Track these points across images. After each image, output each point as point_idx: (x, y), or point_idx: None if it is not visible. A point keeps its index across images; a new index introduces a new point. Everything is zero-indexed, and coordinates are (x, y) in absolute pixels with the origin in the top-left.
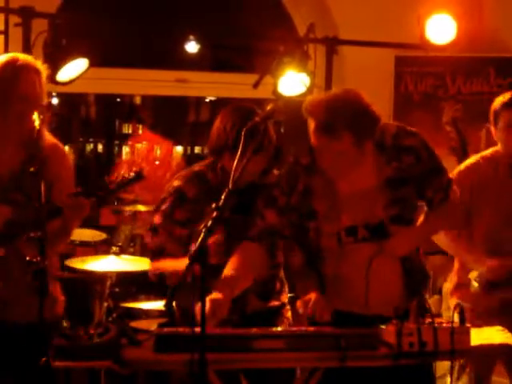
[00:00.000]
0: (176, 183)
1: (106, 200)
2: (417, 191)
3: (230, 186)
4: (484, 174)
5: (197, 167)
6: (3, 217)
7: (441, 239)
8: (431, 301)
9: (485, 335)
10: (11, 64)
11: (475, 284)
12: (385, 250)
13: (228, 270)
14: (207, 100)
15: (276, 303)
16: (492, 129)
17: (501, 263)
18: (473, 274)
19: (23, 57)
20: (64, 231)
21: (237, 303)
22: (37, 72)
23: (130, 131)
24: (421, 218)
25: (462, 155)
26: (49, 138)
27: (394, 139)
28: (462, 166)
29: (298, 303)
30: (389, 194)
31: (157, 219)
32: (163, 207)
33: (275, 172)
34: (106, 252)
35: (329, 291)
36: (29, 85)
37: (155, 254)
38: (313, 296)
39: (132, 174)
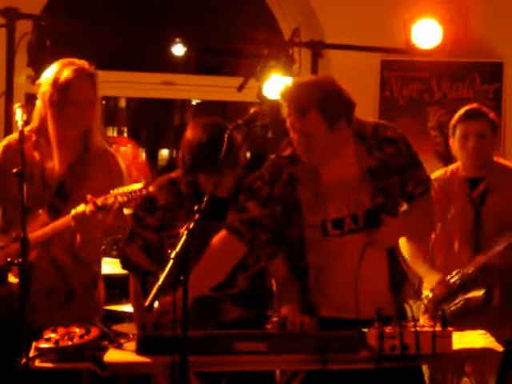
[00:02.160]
0: (149, 189)
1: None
2: (400, 183)
3: (212, 191)
4: (447, 187)
5: (173, 174)
6: (41, 222)
7: (405, 247)
8: (415, 306)
9: (467, 339)
10: (65, 69)
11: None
12: (375, 239)
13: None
14: (193, 103)
15: (254, 314)
16: (451, 143)
17: (440, 280)
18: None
19: (78, 62)
20: (84, 244)
21: (211, 311)
22: (90, 76)
23: (115, 134)
24: (402, 211)
25: (447, 160)
26: (103, 144)
27: (374, 130)
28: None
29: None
30: (373, 184)
31: (132, 224)
32: (138, 212)
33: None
34: None
35: (314, 290)
36: (80, 90)
37: (122, 263)
38: (284, 311)
39: (137, 186)
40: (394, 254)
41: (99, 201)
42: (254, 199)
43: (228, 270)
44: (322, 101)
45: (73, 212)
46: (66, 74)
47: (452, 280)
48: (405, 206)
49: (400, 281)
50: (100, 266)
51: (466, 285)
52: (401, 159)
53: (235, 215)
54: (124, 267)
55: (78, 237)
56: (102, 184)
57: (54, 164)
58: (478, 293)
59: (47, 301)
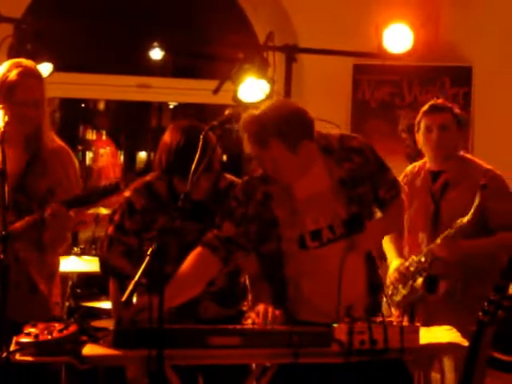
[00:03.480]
0: (126, 194)
1: (85, 210)
2: (372, 190)
3: (188, 190)
4: (413, 180)
5: (148, 177)
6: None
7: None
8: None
9: (433, 334)
10: (13, 69)
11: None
12: (355, 244)
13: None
14: (171, 106)
15: (233, 312)
16: (417, 138)
17: (397, 266)
18: (395, 263)
19: (26, 62)
20: (54, 240)
21: (191, 309)
22: (37, 77)
23: (94, 137)
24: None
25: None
26: (56, 140)
27: (340, 142)
28: (405, 170)
29: (252, 315)
30: (346, 194)
31: (110, 230)
32: (115, 218)
33: (228, 177)
34: (68, 253)
35: (293, 301)
36: (28, 89)
37: (103, 269)
38: (261, 308)
39: (110, 185)
40: (371, 258)
41: (69, 199)
42: (230, 219)
43: (203, 285)
44: (280, 128)
45: (48, 211)
46: (13, 74)
47: (408, 267)
48: (379, 213)
49: (377, 284)
50: (58, 261)
51: (416, 273)
52: (369, 167)
53: (211, 233)
54: (105, 273)
55: (48, 234)
56: (60, 179)
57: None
58: (418, 282)
59: (14, 294)
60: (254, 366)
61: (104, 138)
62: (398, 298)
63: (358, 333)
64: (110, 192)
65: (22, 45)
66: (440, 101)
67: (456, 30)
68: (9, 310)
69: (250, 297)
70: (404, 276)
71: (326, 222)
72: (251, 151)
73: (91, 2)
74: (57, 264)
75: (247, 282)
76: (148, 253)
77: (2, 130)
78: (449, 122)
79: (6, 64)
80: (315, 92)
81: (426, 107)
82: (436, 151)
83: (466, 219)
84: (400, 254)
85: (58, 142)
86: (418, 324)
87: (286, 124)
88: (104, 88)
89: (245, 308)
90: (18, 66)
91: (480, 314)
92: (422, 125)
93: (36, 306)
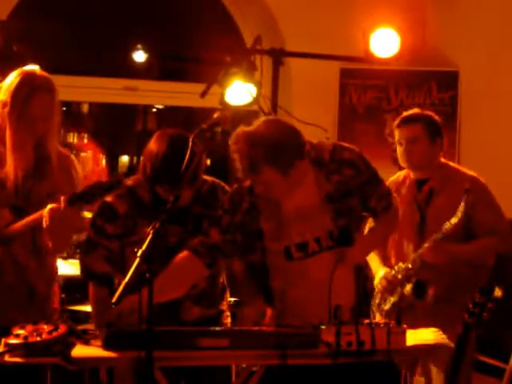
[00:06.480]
0: (108, 198)
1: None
2: (361, 202)
3: (177, 192)
4: (399, 189)
5: (129, 181)
6: (4, 220)
7: None
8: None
9: (420, 336)
10: (26, 83)
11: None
12: (345, 257)
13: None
14: (154, 110)
15: (213, 311)
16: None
17: (383, 274)
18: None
19: (39, 74)
20: (56, 243)
21: (173, 311)
22: (50, 91)
23: (76, 140)
24: (368, 227)
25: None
26: (62, 149)
27: (332, 154)
28: (389, 180)
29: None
30: (334, 207)
31: (92, 234)
32: (97, 222)
33: (209, 179)
34: None
35: (280, 311)
36: (40, 107)
37: (84, 273)
38: (269, 312)
39: (112, 180)
40: (360, 268)
41: (72, 196)
42: (216, 226)
43: (187, 288)
44: (270, 156)
45: (48, 208)
46: (25, 90)
47: (395, 275)
48: (371, 222)
49: (367, 293)
50: (57, 266)
51: (405, 280)
52: (360, 178)
53: (198, 238)
54: (86, 277)
55: (48, 236)
56: (61, 184)
57: (10, 168)
58: (407, 288)
59: (9, 298)
60: (237, 372)
61: (86, 141)
62: (387, 306)
63: (345, 334)
64: (112, 187)
65: (8, 46)
66: (413, 111)
67: (442, 34)
68: (4, 313)
69: (228, 295)
70: (392, 284)
71: (313, 235)
72: (242, 172)
73: (77, 4)
74: (56, 269)
75: (225, 282)
76: (138, 254)
77: None
78: (418, 134)
79: (18, 74)
80: (302, 96)
81: (399, 118)
82: (407, 164)
83: (453, 220)
84: (384, 262)
85: (66, 151)
86: (405, 326)
87: (278, 151)
88: (90, 90)
89: (223, 307)
90: (30, 79)
91: (465, 315)
92: (396, 137)
93: (34, 310)
